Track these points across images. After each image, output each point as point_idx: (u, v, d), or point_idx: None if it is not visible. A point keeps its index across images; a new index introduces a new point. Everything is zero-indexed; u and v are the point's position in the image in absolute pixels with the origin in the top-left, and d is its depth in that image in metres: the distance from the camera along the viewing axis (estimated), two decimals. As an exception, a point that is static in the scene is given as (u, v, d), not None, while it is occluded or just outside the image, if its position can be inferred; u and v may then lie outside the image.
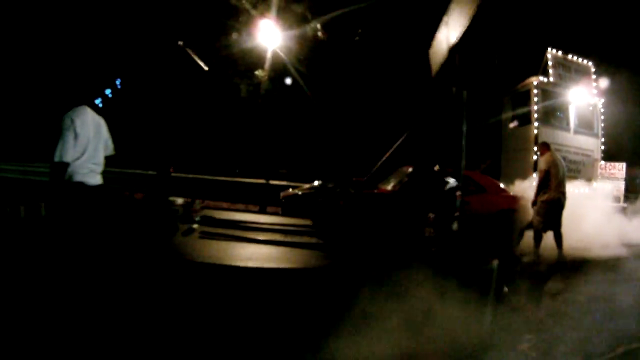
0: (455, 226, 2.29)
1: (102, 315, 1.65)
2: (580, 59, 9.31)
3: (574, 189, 8.80)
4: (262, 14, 9.32)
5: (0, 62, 14.56)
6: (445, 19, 2.50)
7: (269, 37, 9.54)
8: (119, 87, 18.33)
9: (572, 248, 6.40)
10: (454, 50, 2.56)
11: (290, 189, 6.79)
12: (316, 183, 8.43)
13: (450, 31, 2.49)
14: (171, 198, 2.15)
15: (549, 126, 8.67)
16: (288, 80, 12.82)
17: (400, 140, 2.42)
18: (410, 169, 5.97)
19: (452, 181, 2.29)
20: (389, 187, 5.66)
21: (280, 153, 13.49)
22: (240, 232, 2.13)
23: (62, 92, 3.23)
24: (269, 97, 10.95)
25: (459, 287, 2.09)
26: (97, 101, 19.51)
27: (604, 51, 9.90)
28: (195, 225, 2.24)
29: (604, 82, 9.29)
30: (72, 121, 2.85)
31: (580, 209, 8.04)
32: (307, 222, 2.60)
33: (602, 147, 9.30)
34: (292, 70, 10.78)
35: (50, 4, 14.42)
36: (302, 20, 9.72)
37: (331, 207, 2.09)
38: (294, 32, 9.96)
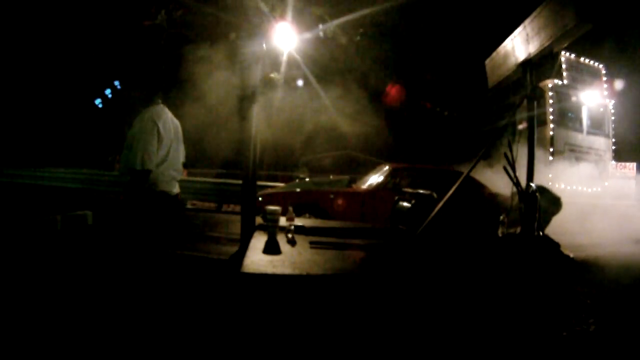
0: (535, 226, 2.40)
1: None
2: (591, 62, 9.53)
3: (587, 189, 9.05)
4: (280, 17, 9.37)
5: (10, 69, 14.43)
6: (522, 34, 2.62)
7: (286, 39, 9.63)
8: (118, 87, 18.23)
9: (582, 245, 6.61)
10: (526, 64, 2.68)
11: (269, 189, 6.83)
12: (297, 181, 8.41)
13: (525, 46, 2.61)
14: (270, 208, 2.21)
15: (563, 127, 8.87)
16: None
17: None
18: (386, 167, 5.82)
19: (533, 184, 2.40)
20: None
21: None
22: (343, 239, 2.22)
23: (133, 89, 2.74)
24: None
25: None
26: (97, 101, 19.26)
27: (613, 52, 10.13)
28: (290, 235, 2.31)
29: (614, 84, 9.53)
30: (155, 123, 2.45)
31: (592, 207, 8.26)
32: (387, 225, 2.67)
33: (613, 147, 9.55)
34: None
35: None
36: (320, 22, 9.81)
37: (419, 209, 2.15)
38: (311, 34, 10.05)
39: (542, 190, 2.28)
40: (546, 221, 2.37)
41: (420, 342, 1.72)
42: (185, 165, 2.95)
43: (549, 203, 2.33)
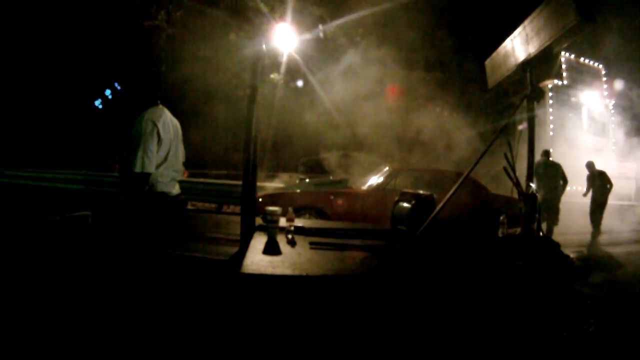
0: (535, 226, 2.40)
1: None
2: (591, 62, 9.54)
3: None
4: (280, 18, 9.38)
5: (10, 69, 14.42)
6: (522, 35, 2.61)
7: (285, 40, 9.63)
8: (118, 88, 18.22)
9: (582, 245, 6.65)
10: (526, 65, 2.68)
11: (269, 189, 6.80)
12: (297, 181, 8.40)
13: (524, 47, 2.61)
14: (270, 208, 2.21)
15: (562, 127, 8.87)
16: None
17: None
18: (386, 168, 5.76)
19: (533, 185, 2.40)
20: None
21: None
22: (342, 240, 2.22)
23: (131, 91, 2.71)
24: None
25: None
26: (97, 102, 19.24)
27: (613, 52, 10.12)
28: (289, 235, 2.30)
29: (614, 84, 9.54)
30: (154, 124, 2.44)
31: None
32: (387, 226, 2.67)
33: (613, 148, 9.55)
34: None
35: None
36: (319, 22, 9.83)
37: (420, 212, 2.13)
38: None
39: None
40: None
41: (421, 343, 1.72)
42: (185, 166, 2.96)
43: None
